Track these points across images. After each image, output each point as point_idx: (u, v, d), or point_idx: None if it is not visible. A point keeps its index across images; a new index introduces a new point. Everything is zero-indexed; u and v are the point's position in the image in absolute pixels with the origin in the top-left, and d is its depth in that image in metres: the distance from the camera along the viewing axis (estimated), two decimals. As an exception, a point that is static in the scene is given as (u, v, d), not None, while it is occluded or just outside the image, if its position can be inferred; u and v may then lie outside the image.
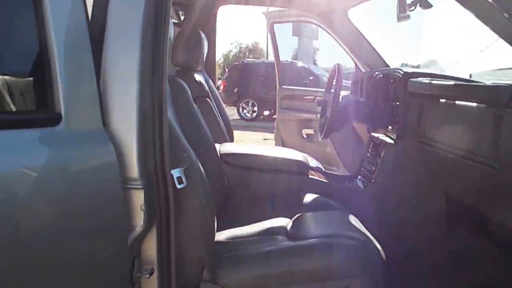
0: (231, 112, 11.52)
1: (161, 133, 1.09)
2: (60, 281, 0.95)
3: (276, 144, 3.60)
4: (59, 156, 0.94)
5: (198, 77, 2.40)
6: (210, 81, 2.68)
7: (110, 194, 1.02)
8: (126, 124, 1.04)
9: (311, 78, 9.38)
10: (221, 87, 11.54)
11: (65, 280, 0.96)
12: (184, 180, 1.20)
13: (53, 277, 0.94)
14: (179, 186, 1.18)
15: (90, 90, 0.99)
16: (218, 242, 1.49)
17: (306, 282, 1.35)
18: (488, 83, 1.51)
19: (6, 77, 0.93)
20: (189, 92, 1.80)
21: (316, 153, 3.10)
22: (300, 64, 10.87)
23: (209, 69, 2.89)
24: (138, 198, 1.06)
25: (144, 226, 1.07)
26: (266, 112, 11.25)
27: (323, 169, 2.35)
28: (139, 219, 1.07)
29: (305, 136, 3.47)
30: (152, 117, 1.07)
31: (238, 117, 11.33)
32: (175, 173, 1.18)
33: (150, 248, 1.12)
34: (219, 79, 14.21)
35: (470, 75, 2.53)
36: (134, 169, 1.05)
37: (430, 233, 1.86)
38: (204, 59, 2.46)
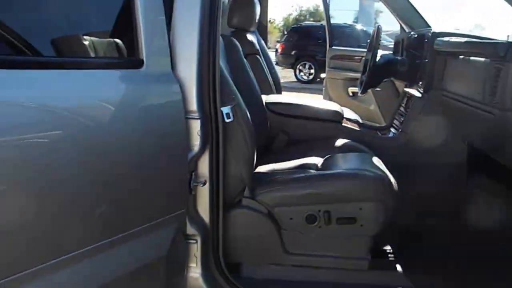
0: (288, 75, 11.58)
1: (214, 77, 1.39)
2: (140, 188, 1.24)
3: None
4: (142, 90, 1.26)
5: (250, 37, 2.69)
6: (262, 41, 2.97)
7: (176, 122, 1.34)
8: (188, 69, 1.36)
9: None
10: (279, 50, 11.65)
11: (144, 187, 1.24)
12: (231, 116, 1.53)
13: (134, 184, 1.22)
14: (227, 120, 1.50)
15: (163, 42, 1.32)
16: (258, 172, 1.83)
17: (327, 203, 1.63)
18: (500, 40, 1.69)
19: (105, 33, 1.28)
20: (241, 49, 2.12)
21: (361, 110, 3.30)
22: (359, 27, 10.72)
23: (261, 30, 3.19)
24: (196, 126, 1.38)
25: (200, 147, 1.39)
26: (323, 75, 11.15)
27: (360, 121, 2.60)
28: (197, 142, 1.39)
29: (351, 94, 3.66)
30: (208, 64, 1.38)
31: (295, 80, 11.36)
32: (224, 109, 1.49)
33: (204, 165, 1.43)
34: (278, 42, 14.27)
35: (508, 36, 2.65)
36: (193, 104, 1.37)
37: (449, 176, 2.09)
38: (257, 21, 2.76)
